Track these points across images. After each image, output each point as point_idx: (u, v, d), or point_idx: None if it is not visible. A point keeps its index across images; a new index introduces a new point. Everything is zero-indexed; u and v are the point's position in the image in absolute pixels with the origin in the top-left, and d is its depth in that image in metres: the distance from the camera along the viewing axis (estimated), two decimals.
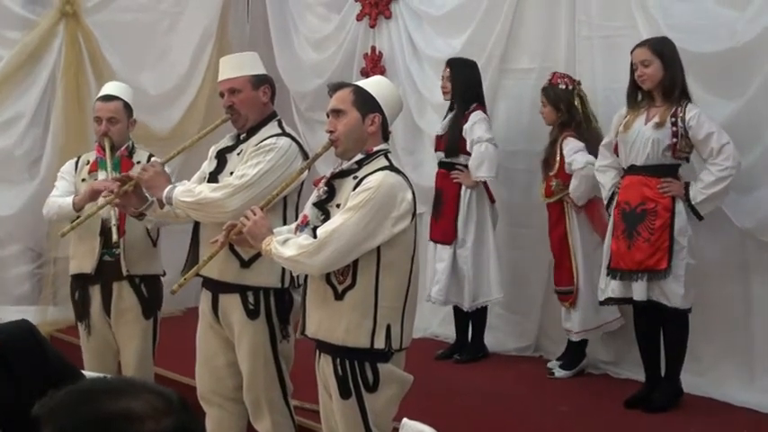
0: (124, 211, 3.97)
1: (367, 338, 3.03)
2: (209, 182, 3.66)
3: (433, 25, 6.10)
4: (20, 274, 6.47)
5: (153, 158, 4.21)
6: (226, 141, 3.78)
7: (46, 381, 1.48)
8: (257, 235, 3.12)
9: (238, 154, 3.66)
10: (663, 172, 4.43)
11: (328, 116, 3.19)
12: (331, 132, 3.15)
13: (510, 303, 5.60)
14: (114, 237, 3.97)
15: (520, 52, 5.64)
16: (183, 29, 7.01)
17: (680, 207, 4.40)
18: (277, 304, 3.67)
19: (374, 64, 6.39)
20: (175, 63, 6.96)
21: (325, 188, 3.15)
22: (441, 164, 5.50)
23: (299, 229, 3.14)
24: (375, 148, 3.13)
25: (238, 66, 3.77)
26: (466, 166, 5.35)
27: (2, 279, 6.41)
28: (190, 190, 3.60)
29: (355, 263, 3.01)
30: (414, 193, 3.08)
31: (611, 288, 4.56)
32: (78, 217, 4.06)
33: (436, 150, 5.51)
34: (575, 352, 5.16)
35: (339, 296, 3.04)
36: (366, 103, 3.13)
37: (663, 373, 4.56)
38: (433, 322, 6.03)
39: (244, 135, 3.72)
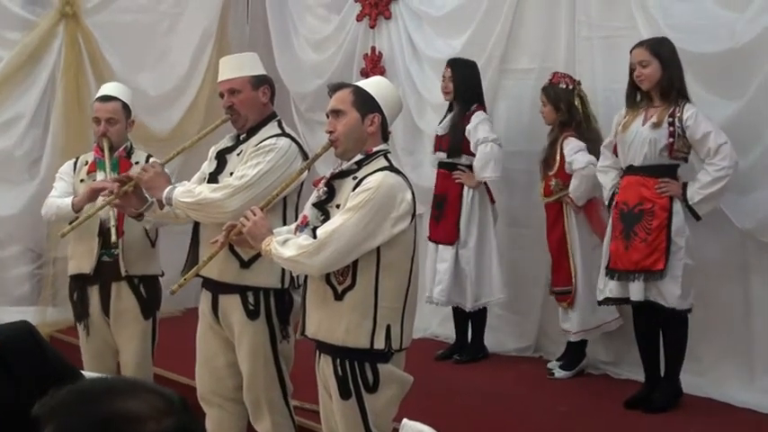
0: (123, 212, 3.97)
1: (367, 339, 3.03)
2: (208, 182, 3.66)
3: (433, 26, 6.10)
4: (20, 274, 6.46)
5: (152, 159, 4.21)
6: (225, 142, 3.78)
7: (45, 381, 1.47)
8: (257, 235, 3.12)
9: (238, 154, 3.66)
10: (661, 172, 4.43)
11: (328, 116, 3.19)
12: (331, 133, 3.15)
13: (510, 304, 5.60)
14: (113, 237, 3.96)
15: (520, 53, 5.64)
16: (182, 30, 7.01)
17: (677, 207, 4.40)
18: (277, 305, 3.67)
19: (374, 64, 6.39)
20: (175, 64, 6.96)
21: (325, 188, 3.15)
22: (441, 164, 5.49)
23: (299, 229, 3.14)
24: (375, 149, 3.13)
25: (238, 66, 3.77)
26: (468, 167, 5.36)
27: (2, 279, 6.41)
28: (190, 190, 3.60)
29: (355, 263, 3.02)
30: (413, 194, 3.08)
31: (609, 288, 4.56)
32: (77, 218, 4.06)
33: (436, 151, 5.51)
34: (574, 352, 5.16)
35: (339, 296, 3.04)
36: (366, 103, 3.13)
37: (663, 374, 4.56)
38: (433, 322, 6.02)
39: (243, 135, 3.72)
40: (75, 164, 4.38)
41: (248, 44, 7.12)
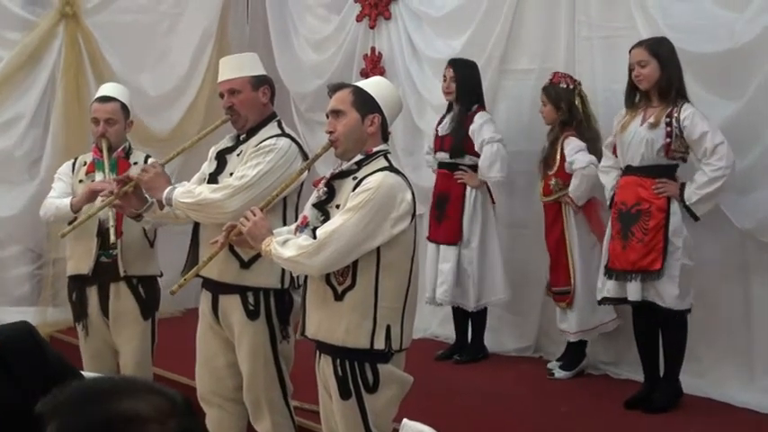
0: (122, 212, 3.97)
1: (367, 339, 3.03)
2: (208, 183, 3.66)
3: (433, 26, 6.10)
4: (20, 275, 6.47)
5: (150, 159, 4.21)
6: (225, 142, 3.78)
7: (45, 382, 1.47)
8: (257, 236, 3.12)
9: (238, 155, 3.67)
10: (658, 172, 4.43)
11: (328, 117, 3.19)
12: (330, 133, 3.15)
13: (510, 304, 5.59)
14: (112, 238, 3.97)
15: (519, 53, 5.64)
16: (182, 30, 7.01)
17: (675, 208, 4.39)
18: (277, 305, 3.68)
19: (374, 65, 6.39)
20: (175, 64, 6.96)
21: (325, 189, 3.15)
22: (442, 164, 5.49)
23: (299, 229, 3.14)
24: (375, 149, 3.14)
25: (238, 66, 3.78)
26: (470, 167, 5.36)
27: (2, 280, 6.41)
28: (190, 191, 3.60)
29: (355, 263, 3.02)
30: (413, 194, 3.08)
31: (607, 288, 4.57)
32: (76, 218, 4.06)
33: (437, 151, 5.50)
34: (574, 353, 5.16)
35: (339, 297, 3.04)
36: (365, 103, 3.13)
37: (662, 374, 4.56)
38: (433, 323, 6.02)
39: (243, 136, 3.72)
40: (74, 164, 4.38)
41: (248, 44, 7.12)
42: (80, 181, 4.27)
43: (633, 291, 4.44)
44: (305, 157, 3.65)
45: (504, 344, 5.68)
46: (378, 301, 3.03)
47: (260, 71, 3.80)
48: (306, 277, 3.21)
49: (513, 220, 5.68)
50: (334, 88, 3.23)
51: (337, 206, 3.08)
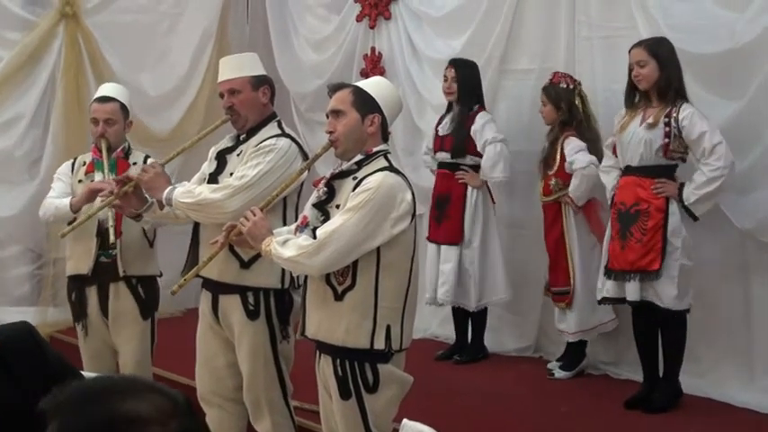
0: (122, 213, 3.97)
1: (367, 339, 3.03)
2: (208, 183, 3.66)
3: (433, 26, 6.10)
4: (20, 275, 6.47)
5: (149, 159, 4.21)
6: (225, 142, 3.78)
7: (45, 382, 1.47)
8: (257, 236, 3.12)
9: (238, 155, 3.67)
10: (657, 173, 4.43)
11: (328, 117, 3.19)
12: (330, 133, 3.15)
13: (510, 304, 5.59)
14: (111, 238, 3.97)
15: (519, 53, 5.64)
16: (182, 30, 7.01)
17: (674, 208, 4.39)
18: (277, 305, 3.68)
19: (374, 65, 6.39)
20: (175, 64, 6.96)
21: (325, 189, 3.15)
22: (443, 164, 5.49)
23: (299, 229, 3.14)
24: (375, 149, 3.14)
25: (238, 66, 3.78)
26: (471, 167, 5.36)
27: (2, 280, 6.41)
28: (190, 191, 3.60)
29: (355, 263, 3.02)
30: (413, 194, 3.08)
31: (607, 288, 4.57)
32: (75, 218, 4.06)
33: (438, 151, 5.50)
34: (574, 353, 5.16)
35: (339, 297, 3.04)
36: (365, 103, 3.13)
37: (662, 374, 4.56)
38: (433, 323, 6.02)
39: (243, 136, 3.72)
40: (73, 164, 4.38)
41: (248, 44, 7.12)
42: (79, 181, 4.27)
43: (632, 291, 4.44)
44: (305, 157, 3.65)
45: (504, 344, 5.68)
46: (378, 301, 3.03)
47: (260, 71, 3.80)
48: (306, 277, 3.20)
49: (512, 221, 5.68)
50: (334, 88, 3.23)
51: (337, 206, 3.08)
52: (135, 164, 4.22)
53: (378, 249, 3.01)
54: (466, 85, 5.35)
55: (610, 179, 4.68)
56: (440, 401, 4.62)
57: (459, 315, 5.56)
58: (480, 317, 5.50)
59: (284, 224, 3.52)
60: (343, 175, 3.13)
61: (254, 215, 3.14)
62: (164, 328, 4.46)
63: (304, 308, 3.21)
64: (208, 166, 3.77)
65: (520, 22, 5.58)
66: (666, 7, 4.76)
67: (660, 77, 4.38)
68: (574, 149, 4.94)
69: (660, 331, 4.52)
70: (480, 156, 5.30)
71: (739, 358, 4.69)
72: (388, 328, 3.04)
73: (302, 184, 3.66)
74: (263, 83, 3.74)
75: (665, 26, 4.69)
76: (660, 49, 4.40)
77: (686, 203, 4.36)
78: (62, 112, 6.40)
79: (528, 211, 5.53)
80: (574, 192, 4.96)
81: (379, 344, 3.03)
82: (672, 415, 4.45)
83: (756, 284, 4.61)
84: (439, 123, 5.52)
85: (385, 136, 3.20)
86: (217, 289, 3.70)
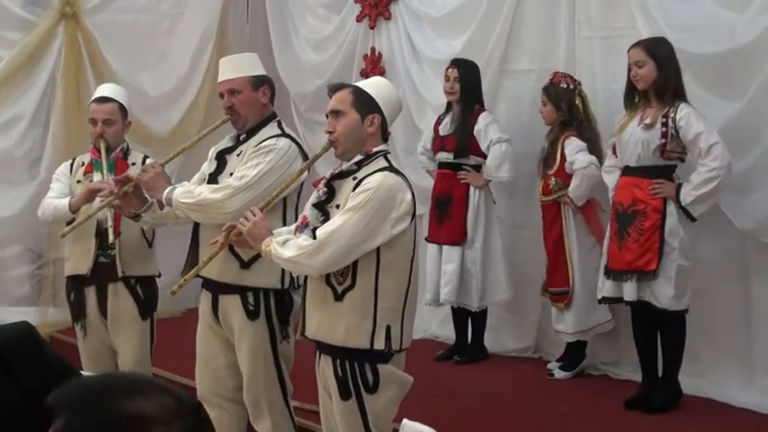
0: (121, 213, 3.97)
1: (367, 339, 3.03)
2: (208, 183, 3.66)
3: (433, 26, 6.10)
4: (20, 275, 6.47)
5: (148, 160, 4.22)
6: (225, 142, 3.78)
7: (45, 382, 1.47)
8: (257, 236, 3.12)
9: (238, 155, 3.66)
10: (655, 173, 4.43)
11: (328, 117, 3.19)
12: (330, 133, 3.15)
13: (510, 304, 5.59)
14: (111, 238, 3.97)
15: (520, 53, 5.64)
16: (182, 30, 7.01)
17: (671, 209, 4.39)
18: (277, 305, 3.68)
19: (374, 65, 6.39)
20: (175, 64, 6.96)
21: (325, 189, 3.15)
22: (444, 164, 5.48)
23: (299, 230, 3.14)
24: (374, 149, 3.14)
25: (238, 66, 3.78)
26: (473, 167, 5.36)
27: (2, 280, 6.41)
28: (190, 191, 3.60)
29: (355, 264, 3.02)
30: (413, 194, 3.08)
31: (606, 287, 4.57)
32: (74, 218, 4.06)
33: (439, 151, 5.49)
34: (574, 353, 5.16)
35: (339, 297, 3.04)
36: (365, 103, 3.13)
37: (661, 374, 4.56)
38: (433, 323, 6.02)
39: (243, 136, 3.72)
40: (72, 165, 4.37)
41: (248, 44, 7.12)
42: (78, 181, 4.27)
43: (629, 291, 4.44)
44: (305, 157, 3.65)
45: (504, 344, 5.68)
46: (378, 302, 3.03)
47: (260, 71, 3.80)
48: (306, 277, 3.20)
49: (512, 221, 5.68)
50: (334, 88, 3.23)
51: (337, 206, 3.08)
52: (134, 164, 4.22)
53: (378, 249, 3.01)
54: (468, 85, 5.35)
55: (612, 179, 4.68)
56: (440, 401, 4.62)
57: (460, 315, 5.55)
58: (480, 317, 5.50)
59: (284, 224, 3.51)
60: (342, 175, 3.13)
61: (254, 215, 3.14)
62: (163, 328, 4.46)
63: (304, 308, 3.21)
64: (208, 167, 3.77)
65: (520, 22, 5.58)
66: (666, 7, 4.76)
67: (658, 78, 4.38)
68: (574, 149, 4.94)
69: (659, 331, 4.52)
70: (483, 156, 5.30)
71: (739, 358, 4.69)
72: (388, 329, 3.04)
73: (302, 185, 3.66)
74: (263, 83, 3.74)
75: (664, 26, 4.69)
76: (658, 50, 4.39)
77: (683, 204, 4.35)
78: (62, 112, 6.40)
79: (528, 212, 5.53)
80: (574, 192, 4.96)
81: (379, 344, 3.03)
82: (672, 415, 4.45)
83: (756, 285, 4.61)
84: (438, 123, 5.52)
85: (385, 136, 3.20)
86: (217, 289, 3.70)
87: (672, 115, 4.34)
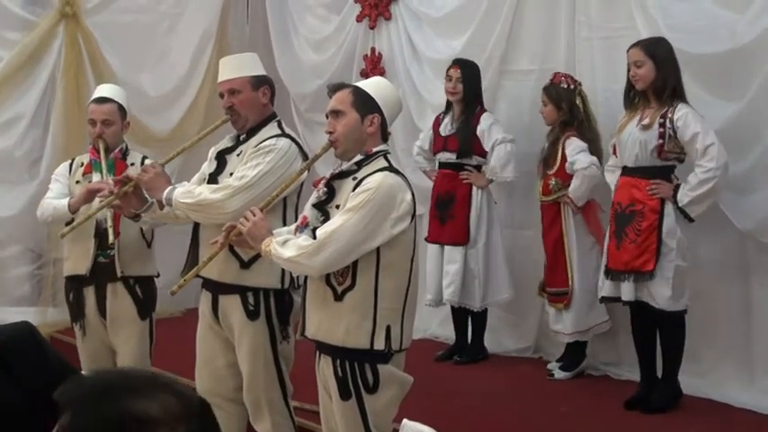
0: (121, 213, 3.97)
1: (367, 339, 3.03)
2: (208, 183, 3.66)
3: (433, 26, 6.10)
4: (20, 275, 6.47)
5: (147, 160, 4.22)
6: (225, 142, 3.78)
7: (46, 382, 1.48)
8: (257, 236, 3.12)
9: (238, 155, 3.67)
10: (653, 174, 4.43)
11: (328, 117, 3.19)
12: (330, 133, 3.15)
13: (509, 305, 5.60)
14: (110, 238, 3.97)
15: (520, 54, 5.64)
16: (182, 30, 7.01)
17: (669, 209, 4.39)
18: (277, 305, 3.68)
19: (374, 65, 6.39)
20: (175, 64, 6.96)
21: (325, 189, 3.15)
22: (445, 164, 5.48)
23: (299, 230, 3.14)
24: (374, 149, 3.14)
25: (238, 67, 3.78)
26: (475, 167, 5.36)
27: (2, 280, 6.41)
28: (190, 191, 3.60)
29: (355, 264, 3.02)
30: (413, 194, 3.08)
31: (605, 287, 4.58)
32: (74, 219, 4.06)
33: (440, 151, 5.49)
34: (574, 353, 5.16)
35: (339, 297, 3.04)
36: (365, 103, 3.13)
37: (660, 374, 4.56)
38: (433, 323, 6.02)
39: (243, 136, 3.72)
40: (71, 165, 4.38)
41: (248, 44, 7.12)
42: (77, 182, 4.27)
43: (627, 291, 4.45)
44: (305, 157, 3.65)
45: (503, 344, 5.68)
46: (377, 302, 3.03)
47: (260, 71, 3.80)
48: (306, 277, 3.20)
49: (512, 221, 5.68)
50: (334, 88, 3.23)
51: (337, 206, 3.08)
52: (133, 164, 4.23)
53: (378, 250, 3.01)
54: (470, 85, 5.35)
55: (614, 178, 4.68)
56: (440, 401, 4.62)
57: (459, 315, 5.55)
58: (480, 317, 5.50)
59: (284, 224, 3.52)
60: (342, 175, 3.13)
61: (254, 215, 3.14)
62: (163, 328, 4.45)
63: (304, 308, 3.21)
64: (208, 167, 3.77)
65: (520, 22, 5.58)
66: (666, 7, 4.76)
67: (657, 78, 4.38)
68: (575, 150, 4.94)
69: (658, 332, 4.53)
70: (484, 156, 5.30)
71: (739, 358, 4.69)
72: (388, 329, 3.04)
73: (302, 185, 3.66)
74: (263, 83, 3.75)
75: (664, 26, 4.69)
76: (657, 50, 4.39)
77: (680, 205, 4.35)
78: (62, 112, 6.40)
79: (528, 212, 5.53)
80: (574, 192, 4.96)
81: (379, 344, 3.03)
82: (672, 415, 4.45)
83: (756, 285, 4.61)
84: (437, 124, 5.52)
85: (385, 136, 3.20)
86: (217, 289, 3.70)
87: (670, 115, 4.34)
